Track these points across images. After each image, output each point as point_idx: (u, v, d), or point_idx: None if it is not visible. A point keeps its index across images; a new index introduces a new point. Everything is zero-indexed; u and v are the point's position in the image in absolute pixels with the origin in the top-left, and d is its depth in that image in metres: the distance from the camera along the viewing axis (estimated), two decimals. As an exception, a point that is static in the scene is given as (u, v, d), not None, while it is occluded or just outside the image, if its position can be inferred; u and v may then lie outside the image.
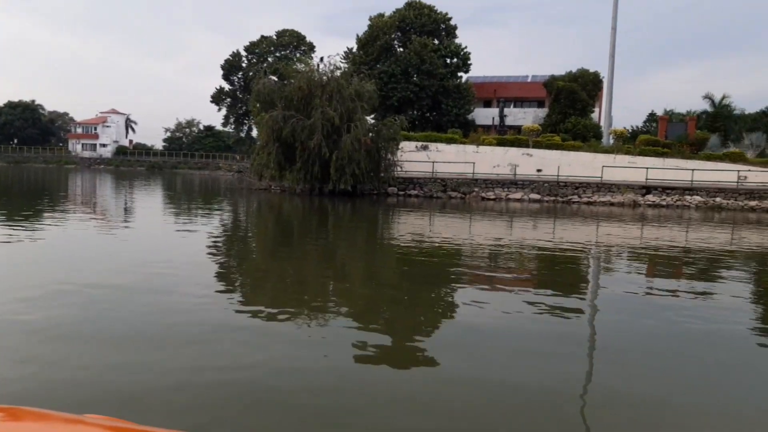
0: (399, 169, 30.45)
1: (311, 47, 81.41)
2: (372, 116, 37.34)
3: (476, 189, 30.20)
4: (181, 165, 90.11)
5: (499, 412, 4.21)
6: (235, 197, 28.77)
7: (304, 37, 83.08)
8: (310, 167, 26.54)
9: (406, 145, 33.42)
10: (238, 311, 6.82)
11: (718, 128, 54.51)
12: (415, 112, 56.99)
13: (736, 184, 29.52)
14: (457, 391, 4.52)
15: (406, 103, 55.52)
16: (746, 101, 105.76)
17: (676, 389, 4.65)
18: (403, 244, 13.70)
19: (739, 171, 30.10)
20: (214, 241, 13.39)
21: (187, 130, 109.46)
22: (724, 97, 66.92)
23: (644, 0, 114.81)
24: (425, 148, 33.80)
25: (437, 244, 13.46)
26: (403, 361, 5.26)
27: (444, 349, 5.60)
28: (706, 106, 67.33)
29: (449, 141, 34.17)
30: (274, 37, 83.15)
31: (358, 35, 60.56)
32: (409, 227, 18.05)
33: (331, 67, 28.65)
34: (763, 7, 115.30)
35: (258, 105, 29.13)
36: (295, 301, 7.51)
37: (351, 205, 24.73)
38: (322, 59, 28.84)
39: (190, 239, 13.37)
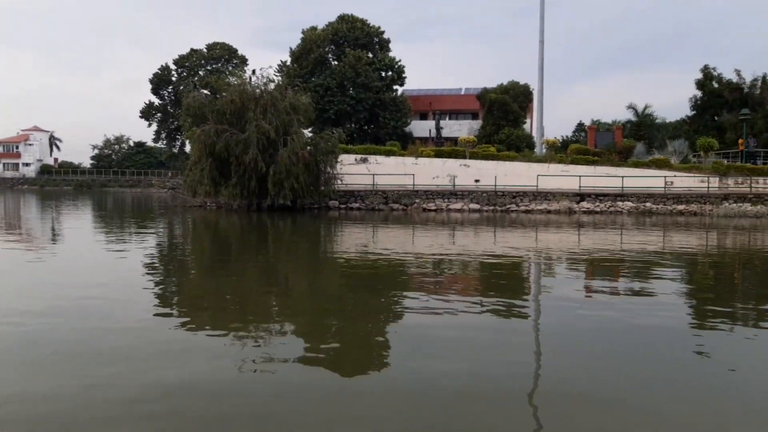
0: (339, 182, 30.00)
1: (243, 60, 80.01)
2: (309, 129, 36.78)
3: (417, 200, 30.19)
4: (111, 183, 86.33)
5: (449, 416, 4.21)
6: (169, 215, 27.49)
7: (236, 51, 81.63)
8: (247, 182, 25.70)
9: (346, 158, 33.06)
10: (179, 332, 6.54)
11: (642, 136, 57.21)
12: (353, 125, 56.87)
13: (663, 189, 30.76)
14: (408, 399, 4.52)
15: (344, 116, 55.32)
16: (666, 111, 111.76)
17: (620, 383, 4.88)
18: (347, 257, 13.51)
19: (665, 177, 31.40)
20: (148, 263, 12.51)
21: (116, 146, 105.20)
22: (646, 107, 70.45)
23: (568, 16, 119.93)
24: (365, 160, 33.56)
25: (382, 256, 13.24)
26: (353, 373, 5.21)
27: (392, 356, 5.62)
28: (630, 115, 70.78)
29: (388, 153, 34.07)
30: (205, 50, 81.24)
31: (291, 48, 60.02)
32: (353, 240, 17.81)
33: (264, 80, 28.00)
34: (679, 23, 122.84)
35: (189, 119, 28.02)
36: (237, 320, 7.18)
37: (291, 220, 24.09)
38: (254, 72, 28.13)
39: (123, 261, 12.47)
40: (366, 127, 57.84)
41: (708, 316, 7.57)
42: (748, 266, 13.09)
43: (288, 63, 59.85)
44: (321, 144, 27.86)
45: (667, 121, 77.80)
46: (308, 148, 27.32)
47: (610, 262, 12.79)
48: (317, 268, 12.53)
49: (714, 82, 56.64)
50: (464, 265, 12.28)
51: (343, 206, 30.19)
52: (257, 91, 27.30)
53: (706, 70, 56.91)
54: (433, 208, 29.72)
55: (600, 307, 7.93)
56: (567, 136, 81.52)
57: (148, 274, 11.17)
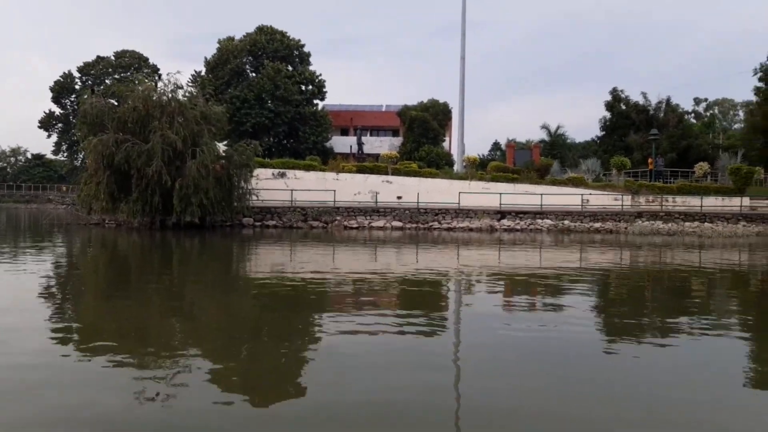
0: (255, 198, 28.20)
1: (155, 70, 75.90)
2: (225, 143, 34.72)
3: (338, 217, 28.84)
4: (4, 198, 78.97)
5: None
6: (60, 234, 24.64)
7: (147, 59, 77.53)
8: (149, 197, 23.35)
9: (262, 173, 31.33)
10: (69, 362, 5.90)
11: (555, 155, 59.11)
12: (272, 139, 55.10)
13: (580, 207, 31.18)
14: (323, 424, 4.36)
15: (262, 130, 53.44)
16: (576, 132, 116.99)
17: (540, 398, 4.92)
18: (261, 278, 12.54)
19: (582, 194, 31.91)
20: (30, 289, 10.49)
21: (11, 159, 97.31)
22: (558, 127, 73.32)
23: (481, 39, 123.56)
24: (283, 175, 31.93)
25: (299, 276, 12.46)
26: (265, 399, 4.96)
27: (307, 380, 5.46)
28: (543, 135, 73.39)
29: (308, 168, 32.63)
30: (112, 58, 76.64)
31: (206, 58, 57.56)
32: (268, 260, 16.57)
33: (172, 87, 25.72)
34: (588, 47, 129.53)
35: (86, 128, 25.29)
36: (137, 347, 6.54)
37: (199, 239, 22.13)
38: (160, 77, 25.88)
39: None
40: (285, 142, 56.20)
41: (620, 330, 7.82)
42: (662, 282, 13.51)
43: (203, 73, 57.33)
44: (234, 156, 25.94)
45: (577, 141, 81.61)
46: (221, 160, 25.35)
47: (529, 279, 12.81)
48: (227, 290, 11.34)
49: (622, 104, 59.46)
50: (386, 283, 11.86)
51: (258, 224, 28.28)
52: (164, 98, 25.03)
53: (615, 93, 59.67)
54: (355, 225, 28.50)
55: (519, 324, 7.95)
56: (483, 155, 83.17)
57: (28, 299, 9.34)
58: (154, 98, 24.78)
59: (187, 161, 23.77)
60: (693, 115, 77.55)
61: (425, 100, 56.20)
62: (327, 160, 39.01)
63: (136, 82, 26.12)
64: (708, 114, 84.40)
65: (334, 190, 30.22)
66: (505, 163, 42.69)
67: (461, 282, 12.55)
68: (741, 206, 31.61)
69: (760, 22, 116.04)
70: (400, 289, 11.24)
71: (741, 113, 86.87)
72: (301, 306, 9.26)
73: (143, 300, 9.68)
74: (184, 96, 25.91)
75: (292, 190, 30.12)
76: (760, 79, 45.53)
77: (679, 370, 5.89)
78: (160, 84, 26.35)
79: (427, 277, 13.03)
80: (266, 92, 53.07)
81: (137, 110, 24.23)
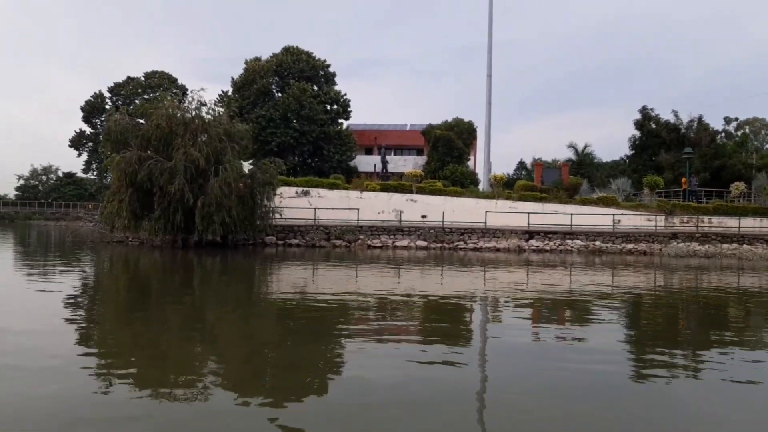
0: (278, 216, 27.90)
1: (183, 90, 77.10)
2: (250, 162, 34.64)
3: (362, 236, 28.30)
4: (35, 215, 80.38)
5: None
6: (83, 252, 24.55)
7: (176, 80, 78.73)
8: (171, 215, 23.13)
9: (286, 191, 31.08)
10: (89, 393, 5.58)
11: (582, 175, 57.92)
12: (296, 158, 55.08)
13: (612, 227, 30.17)
14: None
15: (287, 149, 53.48)
16: (602, 151, 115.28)
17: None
18: (283, 300, 12.17)
19: (614, 215, 30.89)
20: (48, 309, 10.24)
21: (43, 177, 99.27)
22: (586, 146, 72.11)
23: (505, 56, 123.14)
24: (306, 193, 31.62)
25: (322, 298, 12.12)
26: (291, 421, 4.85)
27: (333, 412, 5.22)
28: (570, 154, 72.22)
29: (332, 186, 32.29)
30: (142, 78, 78.01)
31: (233, 78, 58.09)
32: (291, 280, 16.09)
33: (197, 104, 25.64)
34: (607, 68, 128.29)
35: (110, 145, 25.32)
36: (157, 373, 6.37)
37: (221, 258, 21.78)
38: (185, 93, 25.81)
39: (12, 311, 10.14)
40: (310, 161, 56.13)
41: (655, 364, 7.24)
42: (710, 309, 12.47)
43: (229, 93, 57.85)
44: (258, 174, 25.68)
45: (604, 161, 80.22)
46: (244, 178, 25.11)
47: (559, 304, 12.30)
48: (249, 312, 11.04)
49: (652, 123, 58.18)
50: (409, 307, 11.45)
51: (281, 242, 27.90)
52: (187, 115, 24.96)
53: (645, 111, 58.46)
54: (379, 244, 27.92)
55: (546, 358, 7.48)
56: (509, 174, 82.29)
57: (46, 319, 9.17)
58: (178, 116, 24.73)
59: (209, 179, 23.55)
60: (723, 134, 75.70)
61: (450, 119, 55.77)
62: (351, 178, 38.67)
63: (160, 99, 26.08)
64: (739, 134, 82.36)
65: (358, 209, 29.79)
66: (533, 182, 41.82)
67: (488, 306, 12.13)
68: (782, 227, 30.25)
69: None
70: (424, 314, 10.84)
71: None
72: (322, 329, 8.99)
73: (165, 324, 9.37)
74: (207, 113, 25.82)
75: (315, 209, 29.77)
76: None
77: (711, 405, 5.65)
78: (185, 102, 26.29)
79: (453, 300, 12.62)
80: (291, 112, 53.18)
81: (160, 128, 24.16)
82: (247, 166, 28.29)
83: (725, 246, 28.37)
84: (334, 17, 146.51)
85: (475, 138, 55.89)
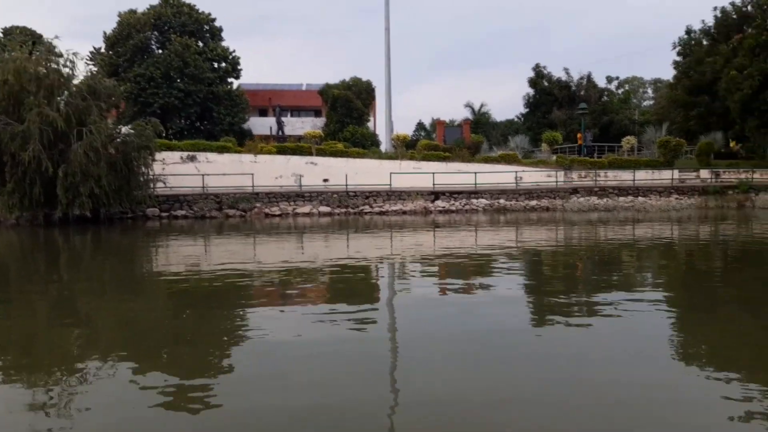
0: (161, 185, 24.85)
1: (50, 49, 68.59)
2: (129, 126, 30.79)
3: (258, 204, 25.86)
4: None
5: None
6: None
7: (40, 36, 69.56)
8: (28, 188, 19.57)
9: (169, 156, 27.87)
10: None
11: (480, 134, 58.27)
12: (183, 121, 50.69)
13: (515, 185, 29.87)
14: (263, 416, 4.24)
15: (171, 111, 48.93)
16: (496, 110, 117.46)
17: (478, 385, 4.81)
18: (172, 279, 10.81)
19: (516, 172, 30.59)
20: None
21: None
22: (482, 106, 72.94)
23: (399, 20, 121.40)
24: (193, 159, 28.52)
25: (218, 274, 10.93)
26: (188, 407, 4.43)
27: (242, 380, 5.07)
28: (467, 113, 72.75)
29: (222, 150, 29.34)
30: (0, 35, 68.43)
31: (105, 33, 52.04)
32: (179, 257, 14.20)
33: (50, 56, 21.68)
34: (501, 29, 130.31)
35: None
36: (28, 363, 5.73)
37: (92, 235, 18.84)
38: (34, 43, 21.82)
39: None
40: (198, 124, 51.90)
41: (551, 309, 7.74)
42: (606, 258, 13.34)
43: (102, 50, 51.89)
44: (132, 137, 22.41)
45: (498, 120, 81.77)
46: (115, 142, 21.79)
47: (465, 262, 12.33)
48: (128, 292, 9.72)
49: (545, 81, 59.28)
50: (314, 275, 10.94)
51: (165, 214, 24.82)
52: (41, 69, 21.02)
53: (538, 69, 59.38)
54: (278, 212, 25.69)
55: (453, 310, 7.74)
56: (409, 136, 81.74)
57: None
58: (31, 70, 20.72)
59: (72, 144, 20.10)
60: (606, 93, 79.41)
61: (347, 79, 53.64)
62: (244, 141, 35.73)
63: (9, 51, 21.74)
64: (620, 92, 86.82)
65: (252, 174, 27.12)
66: (435, 141, 40.96)
67: (394, 268, 12.00)
68: (672, 179, 31.36)
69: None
70: (330, 280, 10.39)
71: (650, 90, 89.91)
72: (219, 305, 8.29)
73: (30, 311, 8.21)
74: (65, 65, 21.88)
75: (203, 175, 26.79)
76: (678, 53, 46.08)
77: (601, 347, 5.98)
78: (36, 53, 22.17)
79: (359, 265, 12.22)
80: (174, 70, 48.56)
81: (8, 84, 20.22)
82: (127, 131, 24.69)
83: (622, 199, 28.97)
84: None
85: (374, 98, 54.27)
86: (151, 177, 23.61)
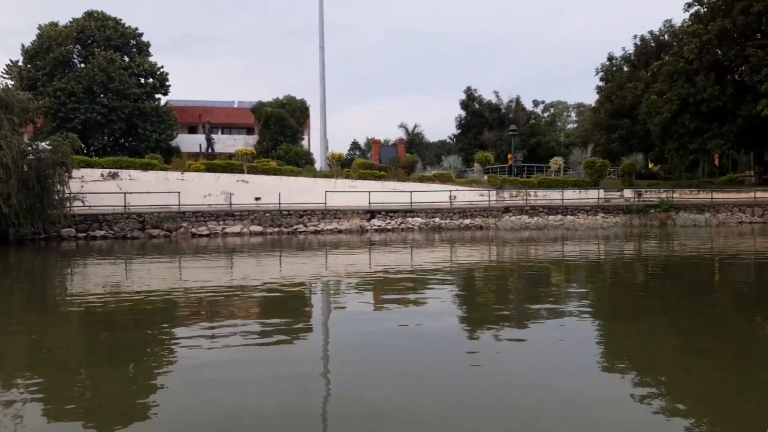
0: (79, 203, 23.32)
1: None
2: (47, 142, 28.86)
3: (184, 224, 24.68)
4: None
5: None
6: None
7: (-53, 46, 65.33)
8: (-74, 207, 17.86)
9: (89, 174, 26.32)
10: None
11: (414, 154, 58.92)
12: (107, 138, 48.41)
13: (449, 204, 30.05)
14: None
15: (94, 127, 46.60)
16: (429, 131, 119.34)
17: (407, 395, 4.92)
18: (89, 303, 9.80)
19: (450, 191, 30.81)
20: None
21: None
22: (416, 126, 73.77)
23: (336, 42, 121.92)
24: (115, 176, 27.03)
25: (138, 298, 10.14)
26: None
27: (168, 398, 4.97)
28: (401, 134, 73.38)
29: (146, 167, 27.99)
30: None
31: (23, 45, 49.19)
32: (97, 280, 13.05)
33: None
34: (436, 53, 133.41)
35: None
36: None
37: (0, 259, 17.28)
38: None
39: None
40: (123, 140, 49.65)
41: (481, 323, 8.00)
42: (533, 275, 13.36)
43: (20, 63, 48.95)
44: (47, 154, 20.93)
45: (431, 141, 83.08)
46: (27, 158, 20.27)
47: (401, 281, 12.16)
48: (42, 316, 9.01)
49: (476, 103, 60.73)
50: (244, 297, 10.40)
51: (82, 235, 23.25)
52: (-58, 78, 19.34)
53: (469, 92, 60.82)
54: (206, 232, 24.60)
55: (385, 328, 7.59)
56: (344, 154, 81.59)
57: None
58: (-69, 79, 19.02)
59: (-23, 159, 18.50)
60: (533, 116, 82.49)
61: (281, 97, 52.94)
62: (171, 159, 34.34)
63: None
64: (545, 115, 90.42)
65: (179, 192, 25.91)
66: (370, 160, 40.86)
67: (329, 288, 11.70)
68: (598, 198, 32.49)
69: (571, 33, 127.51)
70: (260, 301, 10.06)
71: (573, 114, 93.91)
72: (140, 330, 7.76)
73: None
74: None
75: (125, 194, 25.35)
76: (601, 79, 48.32)
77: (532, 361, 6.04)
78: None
79: (291, 286, 11.88)
80: (98, 84, 46.40)
81: None
82: (43, 147, 22.98)
83: (552, 218, 29.66)
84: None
85: (308, 117, 53.78)
86: (68, 195, 22.09)
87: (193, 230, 24.47)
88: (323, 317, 8.68)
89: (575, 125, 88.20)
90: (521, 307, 8.99)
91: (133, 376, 5.62)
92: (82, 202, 23.53)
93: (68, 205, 22.11)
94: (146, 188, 26.45)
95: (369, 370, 5.68)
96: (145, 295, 10.35)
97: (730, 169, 46.87)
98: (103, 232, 23.41)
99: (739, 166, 47.94)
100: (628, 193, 33.67)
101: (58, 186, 21.32)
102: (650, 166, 46.47)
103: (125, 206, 24.80)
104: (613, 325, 7.91)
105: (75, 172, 24.25)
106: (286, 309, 9.28)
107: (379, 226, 27.06)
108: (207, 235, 24.33)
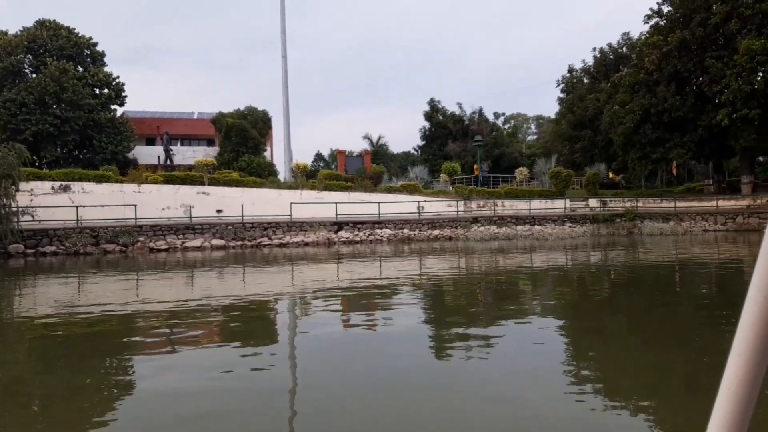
0: (29, 218, 21.98)
1: None
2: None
3: (141, 238, 23.45)
4: None
5: None
6: None
7: None
8: None
9: (39, 186, 24.90)
10: None
11: (379, 165, 58.57)
12: (60, 150, 46.47)
13: (417, 215, 29.57)
14: None
15: (46, 139, 44.67)
16: (393, 143, 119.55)
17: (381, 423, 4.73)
18: (39, 323, 9.18)
19: (418, 202, 30.36)
20: None
21: None
22: (380, 137, 73.43)
23: (297, 55, 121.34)
24: (67, 189, 25.61)
25: (95, 317, 9.57)
26: None
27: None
28: (365, 145, 72.96)
29: (100, 180, 26.63)
30: None
31: (-31, 54, 46.94)
32: (47, 298, 12.20)
33: None
34: (396, 65, 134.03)
35: None
36: None
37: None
38: None
39: None
40: (77, 152, 47.77)
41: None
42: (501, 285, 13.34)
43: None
44: (-10, 165, 19.59)
45: (395, 152, 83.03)
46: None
47: (366, 295, 11.79)
48: None
49: (440, 115, 60.75)
50: (205, 314, 9.85)
51: (31, 251, 21.81)
52: None
53: (433, 103, 60.82)
54: (164, 246, 23.44)
55: (354, 348, 7.36)
56: (308, 165, 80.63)
57: None
58: None
59: None
60: (494, 127, 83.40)
61: (242, 108, 51.87)
62: (128, 171, 32.98)
63: None
64: (506, 127, 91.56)
65: (135, 205, 24.65)
66: (336, 171, 40.15)
67: (294, 304, 11.35)
68: (564, 208, 32.53)
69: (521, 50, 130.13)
70: (223, 319, 9.50)
71: (533, 126, 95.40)
72: (100, 350, 7.40)
73: None
74: None
75: (77, 207, 23.98)
76: (562, 90, 48.91)
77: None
78: None
79: (256, 301, 11.48)
80: (50, 95, 44.59)
81: None
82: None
83: (520, 228, 29.47)
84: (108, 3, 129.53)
85: (270, 128, 52.79)
86: (15, 209, 20.72)
87: (151, 245, 23.28)
88: (290, 339, 8.26)
89: (535, 137, 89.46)
90: (492, 321, 8.79)
91: (84, 410, 5.17)
92: (32, 216, 22.18)
93: (15, 219, 20.74)
94: (100, 201, 25.13)
95: (335, 396, 5.43)
96: (100, 314, 9.66)
97: (686, 178, 47.96)
98: (53, 248, 21.99)
99: (695, 176, 49.12)
100: (593, 202, 33.86)
101: (4, 200, 19.97)
102: (611, 175, 47.15)
103: (78, 220, 23.45)
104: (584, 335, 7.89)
105: (24, 185, 22.96)
106: (251, 331, 8.71)
107: (347, 238, 26.36)
108: (166, 250, 23.17)
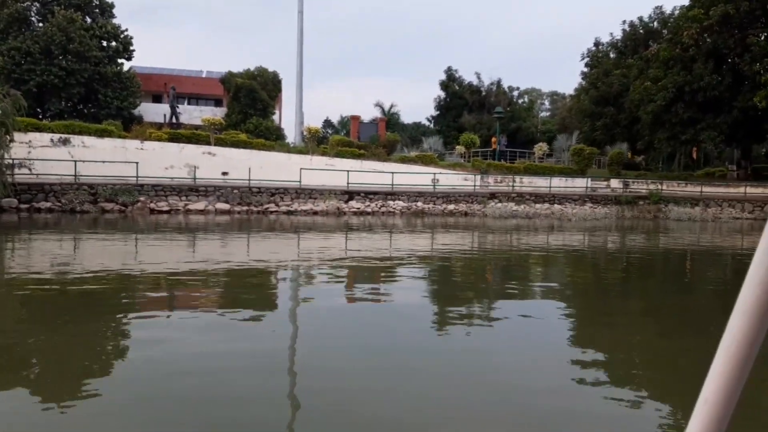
0: (26, 171, 20.86)
1: None
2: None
3: (142, 198, 22.20)
4: None
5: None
6: None
7: None
8: None
9: (37, 138, 23.61)
10: None
11: (392, 132, 56.92)
12: (64, 103, 45.22)
13: (432, 187, 28.20)
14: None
15: (51, 91, 43.35)
16: (405, 113, 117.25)
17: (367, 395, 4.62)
18: (33, 282, 8.58)
19: (434, 174, 28.97)
20: None
21: None
22: (392, 106, 71.62)
23: (312, 18, 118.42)
24: (66, 142, 24.28)
25: (91, 277, 9.03)
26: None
27: (123, 391, 4.49)
28: (377, 113, 71.18)
29: (102, 134, 25.28)
30: None
31: (-28, -3, 45.35)
32: (40, 257, 11.35)
33: None
34: (416, 32, 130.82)
35: None
36: None
37: None
38: None
39: None
40: (81, 106, 46.47)
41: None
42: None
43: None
44: (-17, 113, 18.29)
45: (407, 122, 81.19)
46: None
47: (376, 269, 11.14)
48: None
49: (456, 84, 58.80)
50: (207, 280, 9.37)
51: (25, 206, 20.59)
52: None
53: (450, 72, 58.84)
54: (166, 208, 22.22)
55: (360, 319, 7.19)
56: (320, 130, 79.02)
57: None
58: None
59: None
60: (511, 100, 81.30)
61: (252, 68, 50.20)
62: (131, 127, 31.64)
63: None
64: (521, 101, 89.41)
65: (137, 163, 23.24)
66: (349, 137, 38.67)
67: (298, 274, 10.72)
68: (586, 187, 31.06)
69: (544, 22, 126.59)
70: (225, 285, 9.20)
71: (547, 102, 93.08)
72: (99, 311, 7.06)
73: None
74: None
75: (76, 162, 22.68)
76: (586, 65, 46.92)
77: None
78: None
79: (260, 269, 10.86)
80: (56, 45, 43.09)
81: None
82: None
83: (539, 206, 28.13)
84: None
85: (280, 90, 51.23)
86: (9, 161, 19.51)
87: (152, 205, 22.06)
88: (292, 309, 7.90)
89: (548, 113, 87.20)
90: (500, 302, 8.29)
91: (83, 371, 5.05)
92: (30, 169, 21.05)
93: (9, 172, 19.54)
94: (101, 157, 23.83)
95: (340, 369, 5.20)
96: (97, 276, 9.13)
97: (702, 163, 46.21)
98: (49, 204, 20.75)
99: (713, 161, 47.32)
100: (614, 183, 32.37)
101: (-2, 150, 18.72)
102: (630, 156, 45.45)
103: (76, 176, 22.18)
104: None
105: (22, 137, 21.76)
106: (253, 299, 8.30)
107: (358, 208, 25.09)
108: (167, 212, 21.96)
